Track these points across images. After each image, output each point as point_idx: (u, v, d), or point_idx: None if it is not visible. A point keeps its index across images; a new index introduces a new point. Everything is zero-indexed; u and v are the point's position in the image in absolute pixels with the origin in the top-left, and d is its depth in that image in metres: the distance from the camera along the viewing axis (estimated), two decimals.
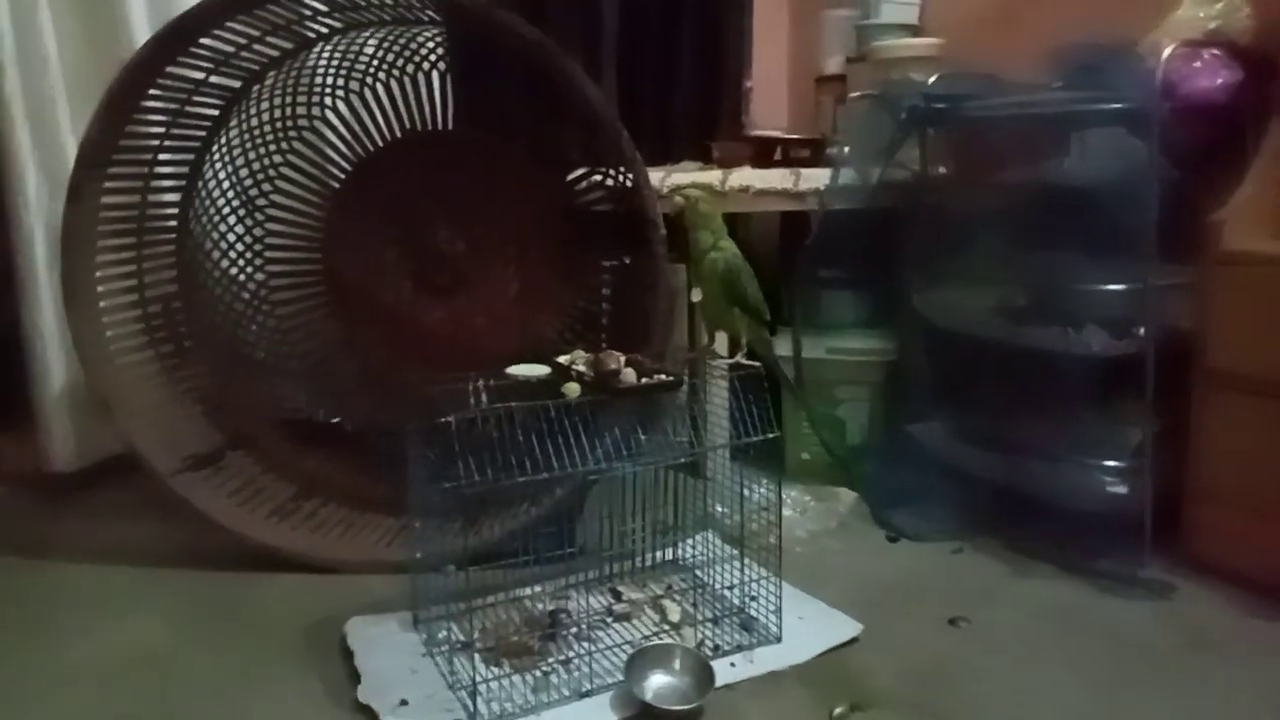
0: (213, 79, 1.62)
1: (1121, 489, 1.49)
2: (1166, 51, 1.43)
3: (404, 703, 1.16)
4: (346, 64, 1.79)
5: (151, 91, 1.53)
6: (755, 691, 1.20)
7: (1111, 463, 1.50)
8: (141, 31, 1.77)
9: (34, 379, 1.86)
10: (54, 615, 1.45)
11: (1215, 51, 1.47)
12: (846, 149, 1.81)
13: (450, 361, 1.43)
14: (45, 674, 1.28)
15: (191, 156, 1.71)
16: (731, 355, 1.45)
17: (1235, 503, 1.42)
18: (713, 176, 1.80)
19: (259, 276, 1.84)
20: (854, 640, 1.30)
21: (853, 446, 1.85)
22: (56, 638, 1.38)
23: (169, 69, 1.53)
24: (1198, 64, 1.45)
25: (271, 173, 1.82)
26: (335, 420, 1.86)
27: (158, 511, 1.66)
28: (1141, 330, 1.47)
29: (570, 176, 1.78)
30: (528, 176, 1.78)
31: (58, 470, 1.89)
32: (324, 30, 1.70)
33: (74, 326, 1.54)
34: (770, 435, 1.27)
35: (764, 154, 2.05)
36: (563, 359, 1.31)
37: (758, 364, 1.34)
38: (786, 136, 2.09)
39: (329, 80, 1.80)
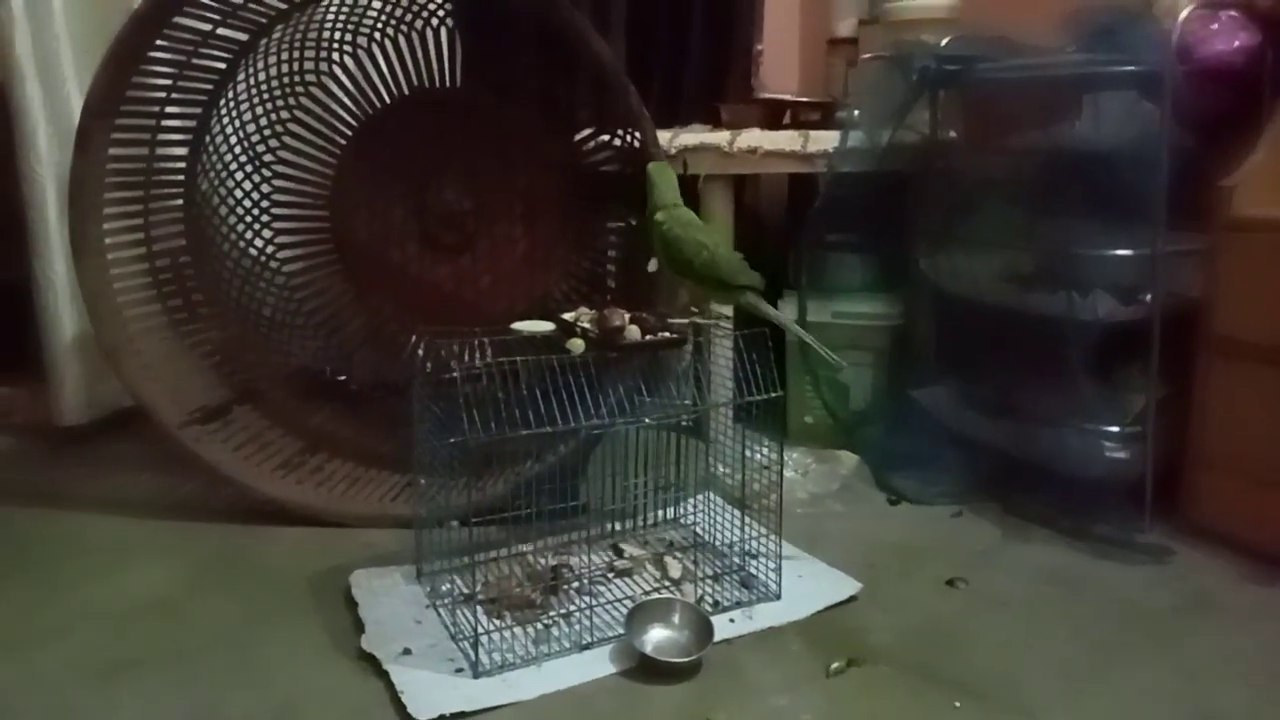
0: (219, 31, 1.61)
1: (1123, 454, 1.49)
2: (1183, 13, 1.41)
3: (407, 651, 1.18)
4: (354, 19, 1.78)
5: (158, 42, 1.52)
6: (753, 646, 1.21)
7: (1113, 428, 1.50)
8: None
9: (44, 331, 1.87)
10: (64, 562, 1.47)
11: (1233, 13, 1.45)
12: (856, 112, 1.79)
13: (456, 320, 1.44)
14: (55, 618, 1.30)
15: (199, 110, 1.70)
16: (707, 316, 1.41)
17: (1236, 469, 1.42)
18: (721, 138, 1.79)
19: (266, 234, 1.84)
20: (853, 599, 1.31)
21: (856, 411, 1.86)
22: (66, 584, 1.40)
23: (176, 19, 1.52)
24: (1215, 26, 1.43)
25: (279, 129, 1.82)
26: (342, 377, 1.88)
27: (166, 464, 1.68)
28: (1148, 296, 1.46)
29: (578, 136, 1.77)
30: (535, 136, 1.78)
31: (68, 422, 1.91)
32: None
33: (81, 278, 1.55)
34: (773, 395, 1.27)
35: (773, 117, 2.04)
36: (568, 316, 1.32)
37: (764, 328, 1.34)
38: (796, 99, 2.08)
39: (335, 35, 1.79)
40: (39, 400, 1.96)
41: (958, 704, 1.09)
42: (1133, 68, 1.43)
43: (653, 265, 1.39)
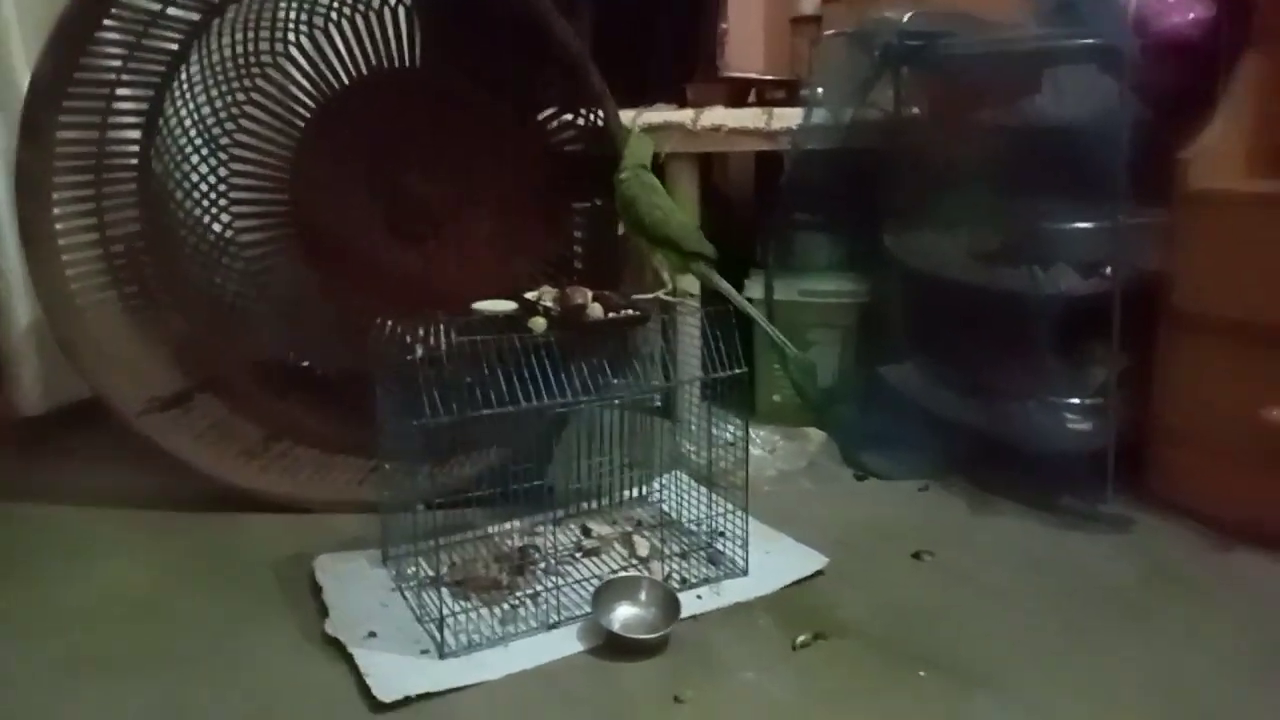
0: (170, 10, 1.58)
1: (1085, 426, 1.51)
2: None
3: (372, 634, 1.17)
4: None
5: (106, 22, 1.49)
6: (721, 621, 1.21)
7: (1076, 401, 1.52)
8: None
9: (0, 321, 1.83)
10: (28, 558, 1.44)
11: None
12: (819, 89, 1.79)
13: (423, 306, 1.42)
14: (18, 615, 1.28)
15: (151, 92, 1.66)
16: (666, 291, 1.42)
17: (1197, 442, 1.44)
18: (684, 115, 1.78)
19: (224, 218, 1.81)
20: (819, 574, 1.32)
21: (824, 389, 1.86)
22: (29, 579, 1.37)
23: None
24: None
25: (235, 110, 1.78)
26: (306, 363, 1.85)
27: (129, 455, 1.64)
28: (1109, 270, 1.47)
29: (541, 116, 1.75)
30: (497, 117, 1.75)
31: (26, 414, 1.87)
32: None
33: (31, 266, 1.51)
34: (737, 371, 1.27)
35: (738, 95, 2.03)
36: (530, 294, 1.30)
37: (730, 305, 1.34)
38: (761, 78, 2.06)
39: (291, 15, 1.75)
40: None
41: (923, 674, 1.10)
42: (1091, 41, 1.44)
43: (621, 228, 1.40)
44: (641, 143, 1.46)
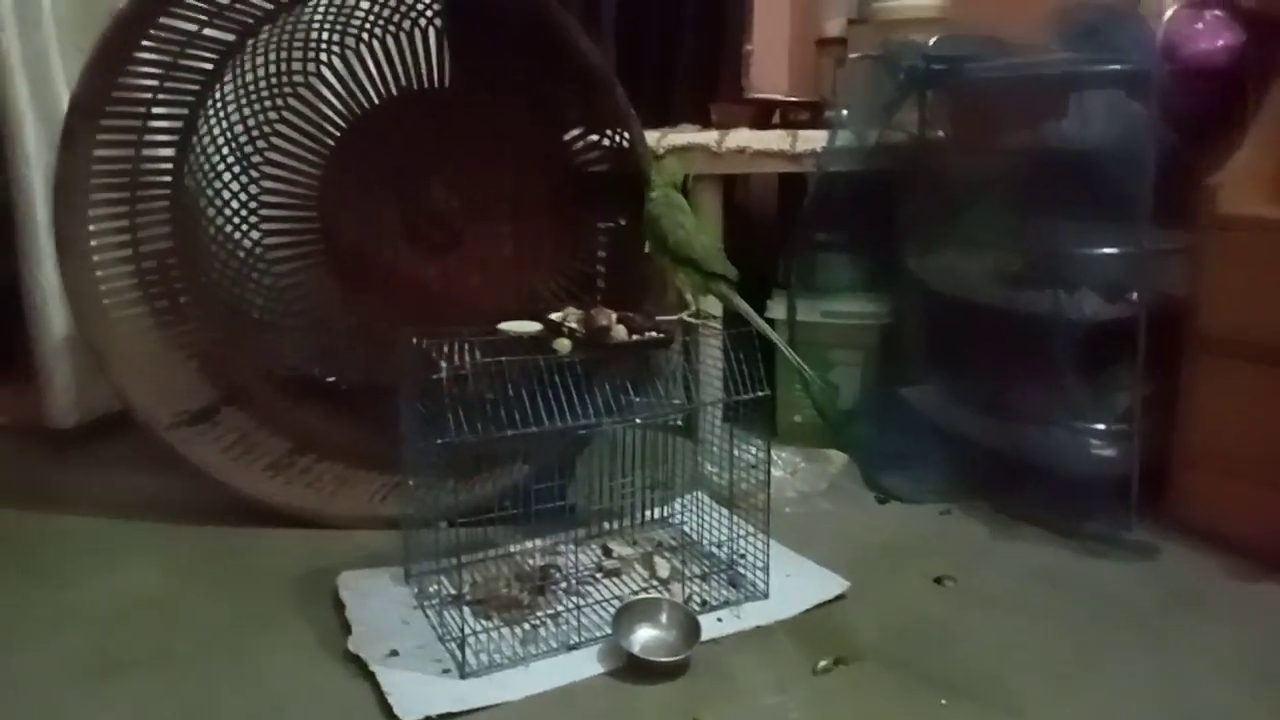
0: (206, 31, 1.61)
1: (1109, 452, 1.50)
2: (1168, 12, 1.42)
3: (394, 653, 1.18)
4: (341, 19, 1.77)
5: (144, 43, 1.52)
6: (741, 645, 1.21)
7: (1100, 426, 1.51)
8: None
9: (34, 333, 1.87)
10: (52, 563, 1.46)
11: (1218, 13, 1.45)
12: (844, 111, 1.80)
13: (446, 319, 1.43)
14: (44, 619, 1.30)
15: (186, 111, 1.69)
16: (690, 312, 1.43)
17: (1222, 467, 1.43)
18: (709, 137, 1.79)
19: (254, 234, 1.84)
20: (840, 597, 1.32)
21: (845, 409, 1.86)
22: (55, 585, 1.39)
23: (161, 20, 1.51)
24: (1199, 25, 1.44)
25: (267, 129, 1.81)
26: (331, 378, 1.87)
27: (156, 465, 1.66)
28: (1135, 295, 1.47)
29: (567, 136, 1.77)
30: (524, 135, 1.77)
31: (57, 425, 1.91)
32: None
33: (66, 278, 1.54)
34: (760, 394, 1.27)
35: (762, 116, 2.04)
36: (555, 315, 1.32)
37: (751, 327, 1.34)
38: (785, 99, 2.08)
39: (324, 35, 1.79)
40: (28, 402, 1.95)
41: (944, 702, 1.10)
42: (1118, 66, 1.44)
43: (647, 247, 1.41)
44: (673, 163, 1.46)
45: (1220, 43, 1.44)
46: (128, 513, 1.62)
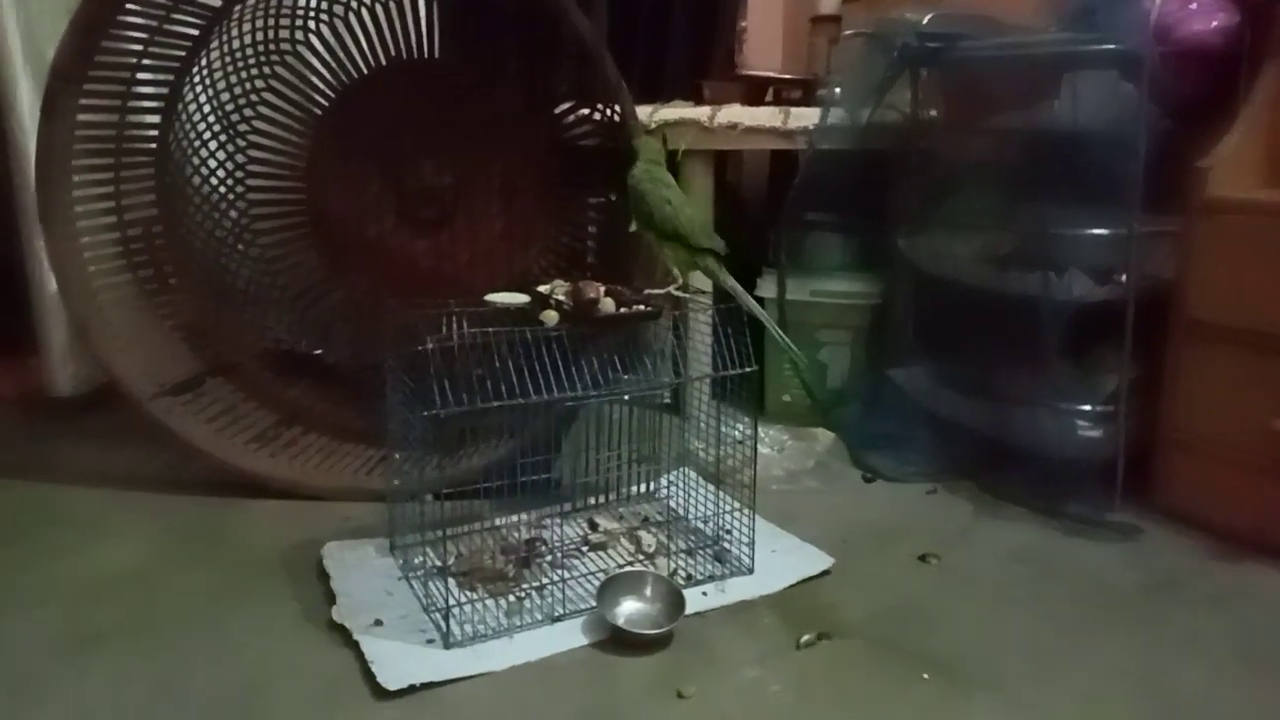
0: None
1: (1095, 434, 1.50)
2: None
3: (378, 623, 1.18)
4: None
5: (128, 6, 1.50)
6: (725, 619, 1.22)
7: (1086, 408, 1.51)
8: None
9: (33, 303, 1.85)
10: (38, 534, 1.46)
11: None
12: (837, 89, 1.79)
13: (434, 295, 1.42)
14: (27, 589, 1.29)
15: (171, 77, 1.67)
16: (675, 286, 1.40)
17: (1207, 451, 1.44)
18: (701, 113, 1.77)
19: (240, 204, 1.82)
20: (825, 573, 1.32)
21: (833, 389, 1.86)
22: (39, 555, 1.39)
23: None
24: (1193, 6, 1.43)
25: (254, 97, 1.79)
26: (318, 351, 1.86)
27: (144, 437, 1.66)
28: (1123, 277, 1.47)
29: (558, 110, 1.75)
30: (515, 109, 1.76)
31: (56, 394, 1.90)
32: None
33: (50, 247, 1.53)
34: (748, 369, 1.27)
35: (755, 94, 2.03)
36: (542, 288, 1.31)
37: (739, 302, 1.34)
38: (779, 76, 2.06)
39: (312, 3, 1.76)
40: (29, 372, 1.94)
41: (926, 676, 1.10)
42: (1111, 47, 1.43)
43: (633, 225, 1.39)
44: (654, 143, 1.44)
45: (1214, 24, 1.43)
46: (116, 483, 1.61)
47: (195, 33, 1.66)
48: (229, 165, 1.80)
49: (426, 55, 1.78)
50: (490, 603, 1.21)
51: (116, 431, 1.78)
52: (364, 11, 1.77)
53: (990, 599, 1.28)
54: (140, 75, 1.61)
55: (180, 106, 1.70)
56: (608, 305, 1.26)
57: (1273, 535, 1.34)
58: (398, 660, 1.09)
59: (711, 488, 1.42)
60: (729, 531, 1.36)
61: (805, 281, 1.84)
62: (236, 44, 1.73)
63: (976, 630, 1.20)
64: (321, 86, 1.80)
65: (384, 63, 1.79)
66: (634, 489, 1.55)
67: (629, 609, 1.19)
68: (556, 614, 1.20)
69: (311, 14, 1.77)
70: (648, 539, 1.38)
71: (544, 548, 1.35)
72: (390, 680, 1.05)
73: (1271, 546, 1.35)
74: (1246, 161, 1.42)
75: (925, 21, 1.67)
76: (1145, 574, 1.34)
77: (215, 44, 1.71)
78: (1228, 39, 1.44)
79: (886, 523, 1.50)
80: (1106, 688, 1.10)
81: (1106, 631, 1.21)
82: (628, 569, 1.29)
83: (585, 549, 1.37)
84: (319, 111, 1.81)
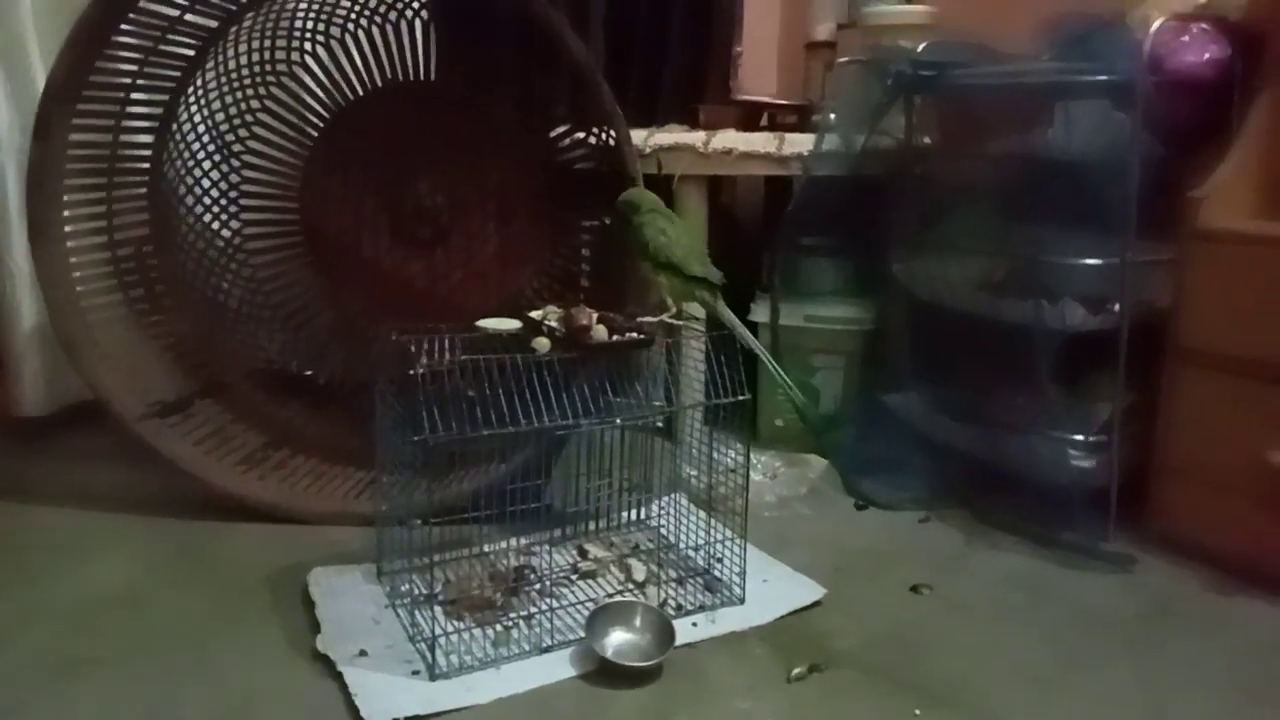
0: (188, 17, 1.58)
1: (1089, 463, 1.49)
2: (1155, 24, 1.42)
3: (363, 653, 1.16)
4: (327, 8, 1.75)
5: (123, 26, 1.49)
6: (716, 650, 1.20)
7: (1080, 437, 1.51)
8: None
9: (3, 321, 1.83)
10: (20, 557, 1.44)
11: (1205, 26, 1.45)
12: (832, 115, 1.79)
13: (427, 316, 1.42)
14: (11, 614, 1.27)
15: (166, 97, 1.67)
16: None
17: (1201, 479, 1.43)
18: (696, 138, 1.78)
19: (234, 224, 1.81)
20: (817, 604, 1.31)
21: (826, 415, 1.85)
22: (23, 579, 1.37)
23: (141, 4, 1.49)
24: (1186, 38, 1.44)
25: (249, 118, 1.78)
26: (309, 372, 1.85)
27: (128, 458, 1.64)
28: (1116, 306, 1.47)
29: (553, 133, 1.75)
30: (510, 131, 1.76)
31: (27, 414, 1.87)
32: None
33: (39, 265, 1.51)
34: (741, 398, 1.26)
35: (750, 119, 2.03)
36: (535, 314, 1.30)
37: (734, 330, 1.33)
38: (774, 101, 2.07)
39: (308, 25, 1.76)
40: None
41: (918, 711, 1.09)
42: (1105, 77, 1.43)
43: (634, 250, 1.38)
44: (648, 195, 1.41)
45: (1206, 56, 1.44)
46: (99, 505, 1.59)
47: (191, 53, 1.66)
48: (223, 185, 1.79)
49: (422, 77, 1.78)
50: (477, 632, 1.20)
51: (94, 451, 1.77)
52: (360, 33, 1.77)
53: (984, 628, 1.27)
54: (134, 95, 1.61)
55: (174, 126, 1.70)
56: (600, 332, 1.25)
57: (1268, 563, 1.34)
58: (382, 693, 1.08)
59: (703, 514, 1.41)
60: (720, 560, 1.35)
61: (799, 306, 1.84)
62: (232, 65, 1.73)
63: (970, 660, 1.19)
64: (317, 107, 1.80)
65: (380, 84, 1.79)
66: (625, 516, 1.54)
67: (618, 640, 1.18)
68: (545, 644, 1.18)
69: (308, 36, 1.77)
70: (638, 567, 1.37)
71: (533, 575, 1.33)
72: (373, 714, 1.04)
73: (1267, 574, 1.34)
74: (1239, 191, 1.43)
75: (920, 49, 1.68)
76: (1140, 602, 1.33)
77: (211, 64, 1.71)
78: (1220, 71, 1.44)
79: (879, 550, 1.49)
80: (1103, 717, 1.08)
81: (1102, 660, 1.20)
82: (617, 599, 1.28)
83: (574, 577, 1.35)
84: (314, 132, 1.81)
